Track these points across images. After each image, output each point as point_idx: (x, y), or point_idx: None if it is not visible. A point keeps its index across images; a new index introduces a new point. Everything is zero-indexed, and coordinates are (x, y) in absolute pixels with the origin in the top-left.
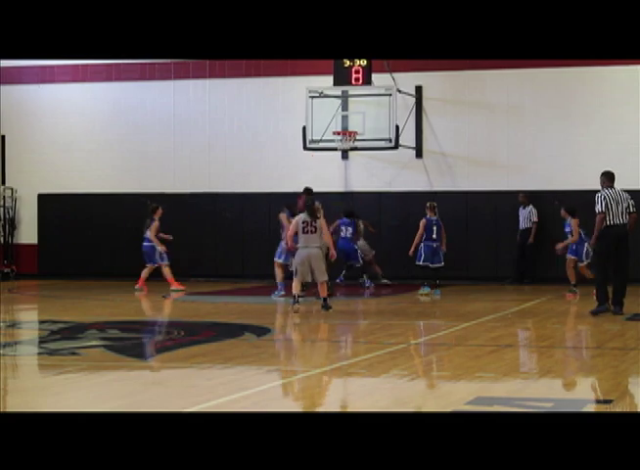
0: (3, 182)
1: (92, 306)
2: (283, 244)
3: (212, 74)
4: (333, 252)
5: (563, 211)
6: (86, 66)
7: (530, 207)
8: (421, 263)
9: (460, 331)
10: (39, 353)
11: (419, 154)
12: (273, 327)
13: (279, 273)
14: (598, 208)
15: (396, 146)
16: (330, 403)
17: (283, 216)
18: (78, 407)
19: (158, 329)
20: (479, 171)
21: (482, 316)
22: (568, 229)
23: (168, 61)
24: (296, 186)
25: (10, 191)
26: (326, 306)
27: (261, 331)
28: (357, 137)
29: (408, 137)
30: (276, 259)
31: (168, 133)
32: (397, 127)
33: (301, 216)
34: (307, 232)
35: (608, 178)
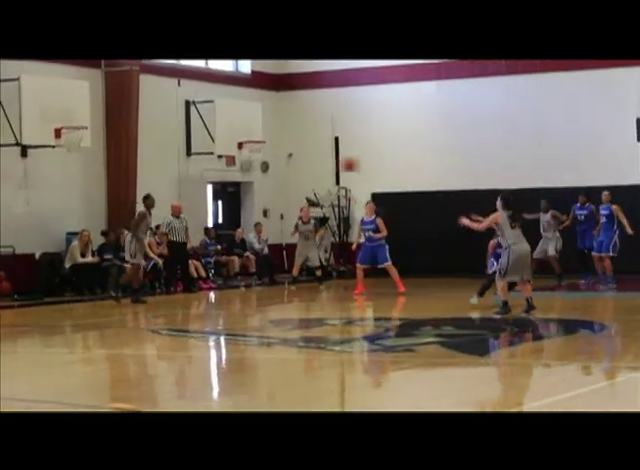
0: (337, 182)
1: (427, 303)
2: None
3: (543, 69)
4: None
5: None
6: (415, 65)
7: None
8: None
9: None
10: (375, 350)
11: None
12: (609, 323)
13: None
14: None
15: None
16: None
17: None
18: (410, 405)
19: (491, 325)
20: None
21: None
22: None
23: None
24: (630, 179)
25: (344, 191)
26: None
27: (597, 327)
28: None
29: None
30: None
31: (500, 129)
32: None
33: None
34: None
35: None
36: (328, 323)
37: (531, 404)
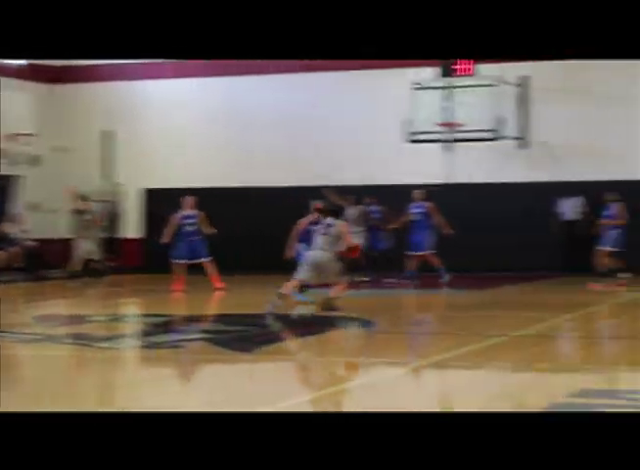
0: (113, 178)
1: (197, 300)
2: None
3: (315, 68)
4: None
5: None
6: (193, 61)
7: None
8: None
9: (564, 323)
10: (141, 347)
11: (524, 144)
12: (376, 319)
13: None
14: None
15: (501, 137)
16: (426, 397)
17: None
18: (175, 401)
19: (261, 322)
20: (588, 162)
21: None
22: None
23: None
24: (396, 179)
25: (118, 186)
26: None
27: (364, 323)
28: (461, 128)
29: (514, 128)
30: None
31: (274, 128)
32: (502, 118)
33: None
34: None
35: None
36: (95, 320)
37: (294, 401)
